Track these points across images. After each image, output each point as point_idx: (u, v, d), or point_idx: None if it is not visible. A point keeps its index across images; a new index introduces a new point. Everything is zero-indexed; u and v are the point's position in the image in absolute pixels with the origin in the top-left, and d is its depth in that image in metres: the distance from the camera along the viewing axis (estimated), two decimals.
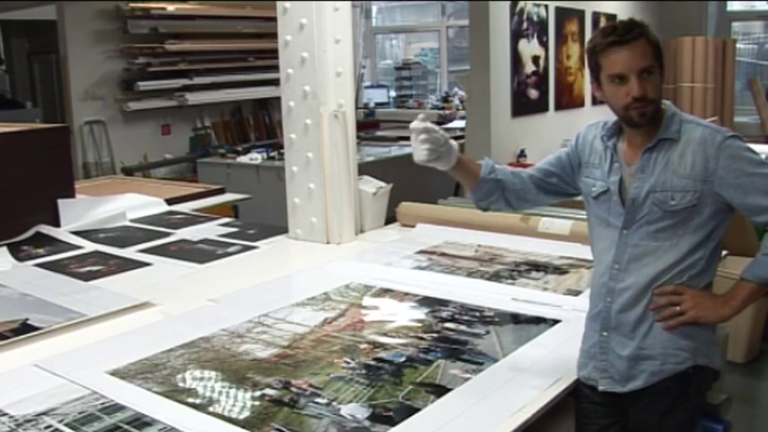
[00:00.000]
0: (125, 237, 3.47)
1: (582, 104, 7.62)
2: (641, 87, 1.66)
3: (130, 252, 3.17)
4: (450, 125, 8.84)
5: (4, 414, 1.69)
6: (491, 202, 1.98)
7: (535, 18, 6.67)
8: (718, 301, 1.72)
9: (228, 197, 4.45)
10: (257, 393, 1.77)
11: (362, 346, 2.05)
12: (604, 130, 1.84)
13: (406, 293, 2.49)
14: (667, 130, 1.72)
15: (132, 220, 3.75)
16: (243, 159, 6.63)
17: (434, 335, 2.12)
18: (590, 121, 1.94)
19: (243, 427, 1.60)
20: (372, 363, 1.93)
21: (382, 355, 1.98)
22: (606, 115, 1.85)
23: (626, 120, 1.74)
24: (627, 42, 1.66)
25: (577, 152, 1.89)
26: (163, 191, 4.40)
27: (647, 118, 1.70)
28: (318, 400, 1.72)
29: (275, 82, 3.96)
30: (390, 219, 3.54)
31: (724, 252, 2.21)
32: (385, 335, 2.13)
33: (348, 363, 1.93)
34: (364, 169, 3.54)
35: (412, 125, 1.83)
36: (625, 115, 1.72)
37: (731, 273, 1.83)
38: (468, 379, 1.82)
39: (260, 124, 9.25)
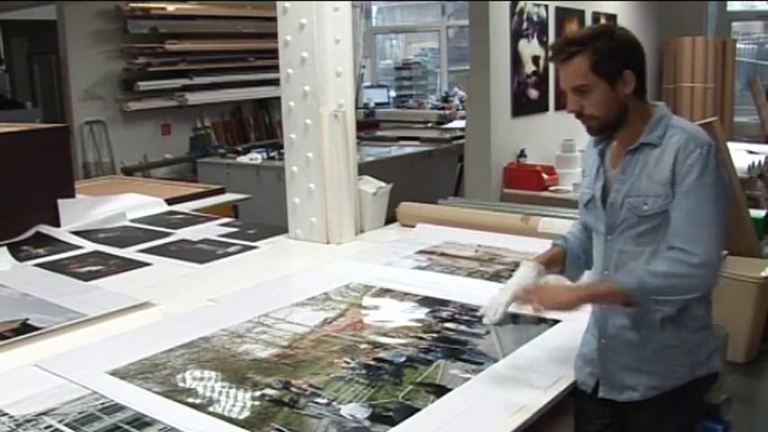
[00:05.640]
0: (125, 237, 3.47)
1: None
2: (573, 104, 1.70)
3: (130, 252, 3.17)
4: (450, 125, 8.84)
5: (4, 414, 1.69)
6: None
7: (535, 18, 6.66)
8: (567, 288, 1.79)
9: (228, 197, 4.46)
10: (257, 393, 1.77)
11: (362, 346, 2.05)
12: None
13: (406, 293, 2.49)
14: (650, 135, 1.70)
15: (132, 220, 3.75)
16: (243, 159, 6.64)
17: (434, 335, 2.12)
18: None
19: (243, 427, 1.61)
20: (372, 363, 1.93)
21: (382, 355, 1.98)
22: None
23: None
24: (560, 62, 1.70)
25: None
26: (163, 191, 4.40)
27: (595, 131, 1.74)
28: (318, 400, 1.72)
29: (275, 82, 3.96)
30: (390, 219, 3.53)
31: (724, 252, 2.21)
32: (385, 335, 2.13)
33: (348, 363, 1.93)
34: (364, 169, 3.54)
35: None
36: None
37: (732, 273, 1.83)
38: (468, 379, 1.82)
39: (260, 124, 9.24)
